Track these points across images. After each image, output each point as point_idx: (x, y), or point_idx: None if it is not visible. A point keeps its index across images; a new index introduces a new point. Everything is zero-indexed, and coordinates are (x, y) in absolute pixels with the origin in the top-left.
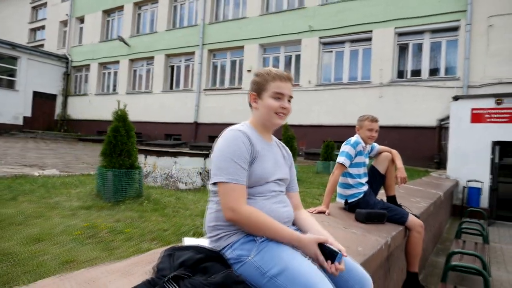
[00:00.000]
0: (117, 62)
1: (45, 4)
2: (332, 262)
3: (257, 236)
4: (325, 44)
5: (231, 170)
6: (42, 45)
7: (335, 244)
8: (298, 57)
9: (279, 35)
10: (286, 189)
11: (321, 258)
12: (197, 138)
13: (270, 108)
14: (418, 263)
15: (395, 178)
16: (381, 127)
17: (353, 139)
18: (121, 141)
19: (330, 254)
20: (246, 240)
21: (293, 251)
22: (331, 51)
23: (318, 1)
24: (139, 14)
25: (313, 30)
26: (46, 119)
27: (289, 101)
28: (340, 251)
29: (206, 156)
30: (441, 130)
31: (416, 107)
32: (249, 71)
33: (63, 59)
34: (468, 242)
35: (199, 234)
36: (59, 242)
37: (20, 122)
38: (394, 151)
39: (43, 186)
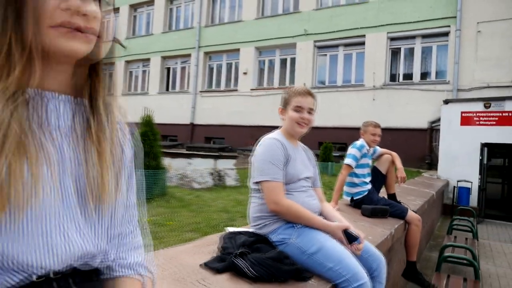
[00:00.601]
0: (113, 63)
1: None
2: (352, 243)
3: (295, 223)
4: (319, 47)
5: (271, 171)
6: None
7: (352, 228)
8: (293, 60)
9: (275, 38)
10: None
11: (345, 241)
12: (194, 139)
13: (292, 119)
14: (416, 253)
15: (395, 177)
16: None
17: (358, 142)
18: (149, 144)
19: (351, 237)
20: (286, 227)
21: (325, 235)
22: (326, 55)
23: (313, 5)
24: (134, 16)
25: (308, 34)
26: None
27: (309, 112)
28: (359, 235)
29: (216, 157)
30: (432, 132)
31: (408, 109)
32: (245, 73)
33: None
34: (459, 237)
35: (227, 225)
36: None
37: None
38: (394, 153)
39: None
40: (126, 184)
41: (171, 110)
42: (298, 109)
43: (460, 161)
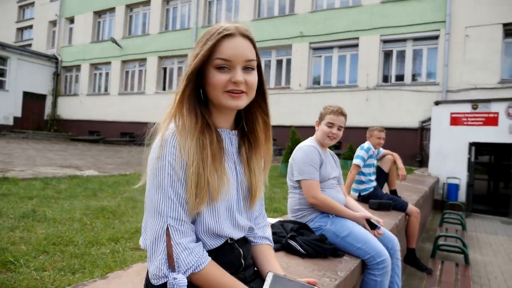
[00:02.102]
0: (109, 63)
1: (32, 4)
2: (374, 229)
3: (329, 213)
4: (314, 49)
5: (311, 171)
6: (29, 45)
7: (374, 218)
8: (289, 61)
9: (271, 40)
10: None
11: (368, 227)
12: None
13: (324, 132)
14: (415, 241)
15: (397, 175)
16: (367, 128)
17: (365, 145)
18: None
19: (372, 225)
20: (322, 216)
21: (353, 222)
22: (321, 56)
23: (308, 8)
24: (131, 16)
25: (304, 36)
26: (36, 119)
27: (339, 129)
28: (378, 222)
29: None
30: (422, 131)
31: (399, 109)
32: None
33: (53, 59)
34: (450, 229)
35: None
36: None
37: (10, 122)
38: (396, 154)
39: (105, 184)
40: None
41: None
42: (330, 125)
43: (449, 159)
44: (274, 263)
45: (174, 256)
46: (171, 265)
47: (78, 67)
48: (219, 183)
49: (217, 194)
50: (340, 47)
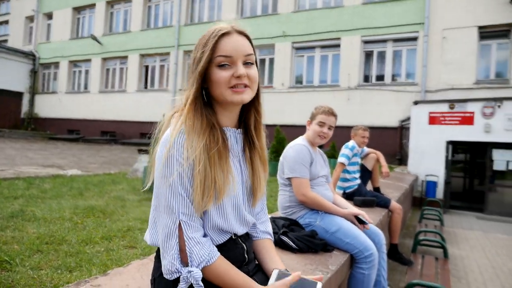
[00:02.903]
0: (89, 60)
1: None
2: (362, 224)
3: (318, 210)
4: (297, 49)
5: (301, 169)
6: (5, 41)
7: (363, 216)
8: (272, 60)
9: (254, 39)
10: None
11: (357, 223)
12: None
13: (315, 132)
14: (398, 237)
15: (380, 173)
16: (349, 127)
17: (350, 144)
18: None
19: (361, 220)
20: (312, 213)
21: (341, 218)
22: (303, 56)
23: (291, 8)
24: (111, 13)
25: (286, 35)
26: (12, 118)
27: (329, 128)
28: (366, 219)
29: None
30: (402, 130)
31: (380, 109)
32: None
33: (30, 56)
34: (429, 225)
35: None
36: None
37: None
38: (379, 152)
39: (90, 184)
40: None
41: (150, 108)
42: (321, 124)
43: (427, 157)
44: (274, 257)
45: (187, 250)
46: (184, 259)
47: (56, 64)
48: (225, 182)
49: (223, 192)
50: (322, 47)
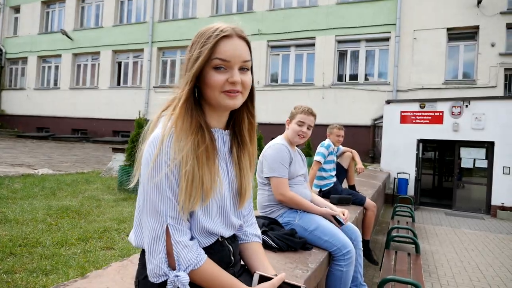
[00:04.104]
0: (59, 55)
1: None
2: (340, 225)
3: (297, 209)
4: (272, 47)
5: (280, 169)
6: None
7: (341, 216)
8: None
9: None
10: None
11: (334, 221)
12: None
13: (294, 131)
14: (370, 234)
15: (355, 169)
16: (323, 125)
17: (326, 142)
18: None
19: (338, 220)
20: (290, 212)
21: (319, 217)
22: (278, 54)
23: (266, 6)
24: (82, 7)
25: (262, 33)
26: None
27: (308, 128)
28: (343, 219)
29: None
30: (375, 128)
31: (353, 107)
32: None
33: None
34: (401, 221)
35: None
36: None
37: None
38: (354, 151)
39: (63, 183)
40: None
41: (123, 105)
42: (301, 123)
43: (399, 155)
44: (264, 261)
45: (175, 254)
46: (171, 263)
47: (24, 60)
48: (213, 183)
49: (210, 193)
50: (297, 46)
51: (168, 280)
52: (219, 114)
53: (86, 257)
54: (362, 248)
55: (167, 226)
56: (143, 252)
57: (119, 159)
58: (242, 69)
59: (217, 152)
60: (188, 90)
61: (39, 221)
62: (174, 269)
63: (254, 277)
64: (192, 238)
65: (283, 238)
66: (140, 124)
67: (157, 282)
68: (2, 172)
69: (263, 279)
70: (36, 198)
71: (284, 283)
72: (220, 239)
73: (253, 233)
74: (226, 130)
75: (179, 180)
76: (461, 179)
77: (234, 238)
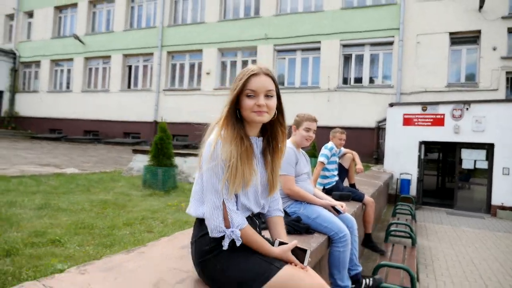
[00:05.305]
0: (71, 59)
1: None
2: (338, 213)
3: (301, 201)
4: (279, 51)
5: (287, 168)
6: None
7: (338, 205)
8: (254, 62)
9: (236, 41)
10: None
11: (333, 211)
12: None
13: (302, 136)
14: (371, 227)
15: (355, 170)
16: (328, 128)
17: (329, 145)
18: (165, 147)
19: (336, 209)
20: (296, 203)
21: (320, 207)
22: (285, 58)
23: (273, 11)
24: (94, 13)
25: (268, 38)
26: None
27: (313, 132)
28: (342, 208)
29: None
30: (379, 130)
31: (358, 110)
32: (208, 73)
33: (10, 54)
34: (401, 218)
35: None
36: (170, 212)
37: None
38: (354, 152)
39: (92, 181)
40: None
41: (134, 108)
42: (307, 129)
43: (402, 156)
44: (282, 231)
45: (229, 218)
46: (226, 224)
47: (37, 63)
48: (250, 175)
49: (248, 182)
50: (303, 50)
51: (226, 234)
52: (253, 126)
53: (134, 237)
54: (357, 235)
55: (223, 200)
56: (199, 220)
57: (139, 160)
58: (267, 96)
59: (254, 153)
60: (227, 111)
61: (88, 211)
62: (228, 227)
63: (275, 242)
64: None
65: (291, 224)
66: (163, 128)
67: (217, 236)
68: (34, 171)
69: (281, 244)
70: (75, 193)
71: (296, 247)
72: (251, 215)
73: (276, 208)
74: (260, 137)
75: (228, 172)
76: (469, 180)
77: (260, 215)
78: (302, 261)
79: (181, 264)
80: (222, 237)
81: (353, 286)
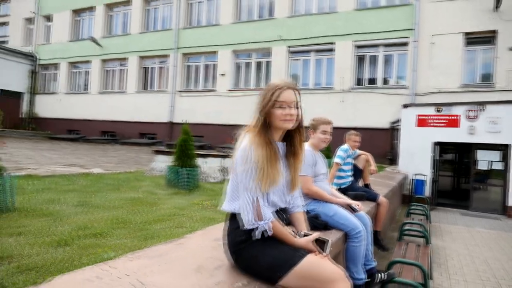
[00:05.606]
0: (89, 61)
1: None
2: (354, 211)
3: (319, 200)
4: (293, 52)
5: (306, 169)
6: (5, 42)
7: (354, 204)
8: (268, 63)
9: (251, 42)
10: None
11: (349, 209)
12: (173, 137)
13: (320, 139)
14: (381, 226)
15: (369, 170)
16: (342, 128)
17: (344, 147)
18: (188, 148)
19: (352, 207)
20: (314, 202)
21: (337, 206)
22: (299, 59)
23: (287, 13)
24: (110, 16)
25: (282, 39)
26: (12, 117)
27: (330, 134)
28: (358, 206)
29: (224, 157)
30: (393, 131)
31: (371, 111)
32: (223, 75)
33: (30, 56)
34: (415, 218)
35: None
36: (196, 210)
37: None
38: (369, 154)
39: (119, 180)
40: None
41: (149, 109)
42: (324, 132)
43: (416, 157)
44: (303, 224)
45: (262, 212)
46: (258, 218)
47: (56, 65)
48: (277, 176)
49: (276, 182)
50: (317, 51)
51: (258, 226)
52: (278, 133)
53: (166, 231)
54: (371, 231)
55: (256, 197)
56: (232, 215)
57: (160, 160)
58: (291, 107)
59: (279, 156)
60: (262, 120)
61: (121, 208)
62: (260, 221)
63: (299, 233)
64: None
65: (310, 220)
66: (186, 130)
67: (250, 228)
68: (63, 171)
69: (305, 235)
70: (106, 192)
71: (317, 238)
72: (278, 210)
73: (298, 205)
74: (282, 143)
75: (258, 173)
76: (486, 181)
77: (285, 210)
78: (323, 251)
79: (216, 253)
80: (254, 229)
81: (368, 279)
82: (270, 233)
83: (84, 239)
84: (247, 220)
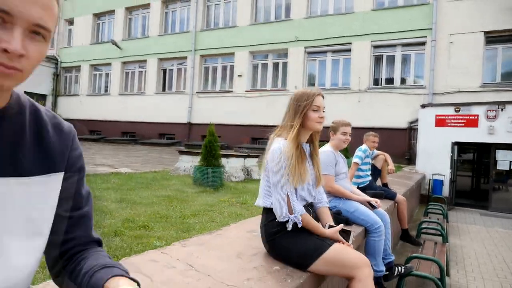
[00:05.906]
0: (109, 64)
1: None
2: (373, 208)
3: (341, 197)
4: (309, 53)
5: (329, 169)
6: None
7: (373, 201)
8: (285, 64)
9: (268, 43)
10: None
11: (369, 206)
12: (191, 138)
13: (341, 140)
14: (406, 223)
15: (387, 170)
16: (359, 128)
17: (363, 147)
18: (213, 149)
19: (371, 204)
20: (336, 199)
21: (357, 203)
22: (315, 60)
23: (303, 14)
24: (130, 19)
25: (299, 40)
26: None
27: (350, 135)
28: (377, 203)
29: (245, 157)
30: (411, 131)
31: (389, 111)
32: (240, 76)
33: (53, 60)
34: (432, 218)
35: None
36: (224, 206)
37: None
38: (386, 154)
39: (148, 179)
40: None
41: (168, 110)
42: (345, 133)
43: (434, 157)
44: (328, 217)
45: (293, 207)
46: (290, 211)
47: (78, 68)
48: (305, 173)
49: (304, 179)
50: (334, 51)
51: (290, 219)
52: (306, 134)
53: (202, 225)
54: (390, 228)
55: (287, 193)
56: (266, 209)
57: (185, 160)
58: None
59: (306, 156)
60: (299, 122)
61: (157, 204)
62: (291, 214)
63: (326, 225)
64: None
65: (332, 216)
66: (211, 132)
67: (283, 220)
68: (94, 170)
69: (330, 226)
70: (139, 190)
71: (342, 230)
72: (306, 204)
73: (323, 200)
74: (308, 144)
75: (290, 171)
76: (507, 181)
77: (312, 204)
78: (347, 241)
79: (251, 242)
80: (286, 221)
81: (387, 272)
82: (300, 225)
83: (134, 231)
84: (280, 214)
